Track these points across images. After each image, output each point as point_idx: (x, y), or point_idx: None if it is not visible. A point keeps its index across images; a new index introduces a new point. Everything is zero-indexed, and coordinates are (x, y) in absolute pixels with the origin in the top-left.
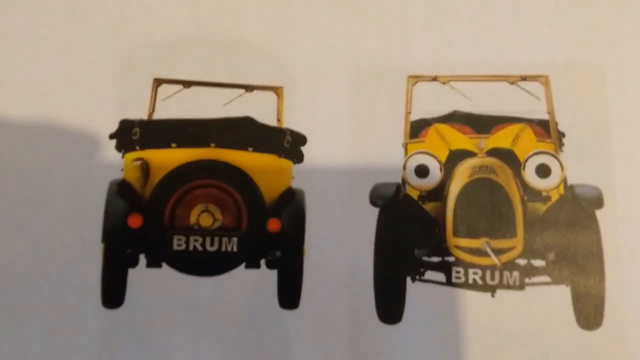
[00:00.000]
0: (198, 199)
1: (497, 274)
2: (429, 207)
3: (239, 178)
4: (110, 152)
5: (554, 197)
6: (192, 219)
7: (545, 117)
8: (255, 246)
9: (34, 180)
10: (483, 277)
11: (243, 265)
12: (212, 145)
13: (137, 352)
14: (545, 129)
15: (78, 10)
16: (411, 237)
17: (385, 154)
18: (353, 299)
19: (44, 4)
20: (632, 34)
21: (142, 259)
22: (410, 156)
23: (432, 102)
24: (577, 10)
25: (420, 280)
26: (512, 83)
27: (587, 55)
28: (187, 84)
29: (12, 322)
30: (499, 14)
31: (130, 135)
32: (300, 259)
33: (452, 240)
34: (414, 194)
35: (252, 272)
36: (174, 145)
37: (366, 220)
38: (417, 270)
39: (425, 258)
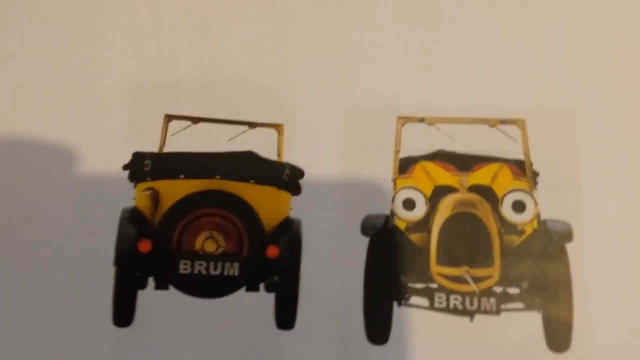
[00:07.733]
0: (203, 226)
1: (475, 300)
2: (414, 237)
3: (242, 208)
4: (122, 181)
5: (528, 230)
6: (198, 245)
7: (521, 157)
8: (255, 271)
9: (52, 208)
10: (463, 303)
11: (243, 288)
12: (217, 177)
13: None
14: (521, 168)
15: (94, 51)
16: (398, 265)
17: (376, 188)
18: (344, 321)
19: (61, 45)
20: (599, 81)
21: (151, 282)
22: (399, 190)
23: (419, 142)
24: (550, 61)
25: (406, 304)
26: (491, 126)
27: (559, 101)
28: (196, 120)
29: (28, 338)
30: (480, 63)
31: (142, 166)
32: (296, 283)
33: (435, 268)
34: (402, 225)
35: (252, 294)
36: (182, 176)
37: (357, 249)
38: (402, 295)
39: (410, 284)
